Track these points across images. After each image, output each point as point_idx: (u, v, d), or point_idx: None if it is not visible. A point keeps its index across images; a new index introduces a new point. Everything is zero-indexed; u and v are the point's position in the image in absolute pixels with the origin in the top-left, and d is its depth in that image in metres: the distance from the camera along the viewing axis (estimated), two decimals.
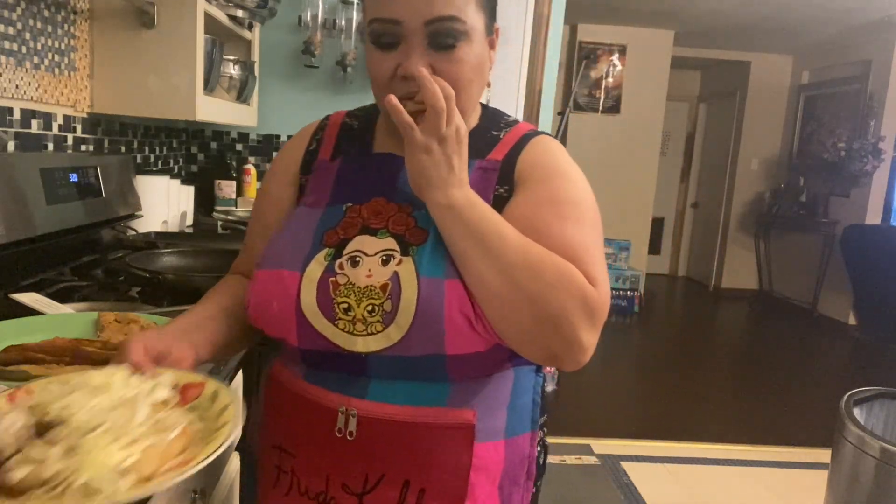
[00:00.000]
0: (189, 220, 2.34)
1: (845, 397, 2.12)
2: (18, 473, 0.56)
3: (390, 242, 0.77)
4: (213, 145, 2.80)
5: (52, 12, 1.59)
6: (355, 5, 2.62)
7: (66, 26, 1.66)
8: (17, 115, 1.46)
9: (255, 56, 2.51)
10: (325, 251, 0.78)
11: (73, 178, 1.55)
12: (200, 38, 1.82)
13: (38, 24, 1.53)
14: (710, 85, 7.42)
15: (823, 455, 2.40)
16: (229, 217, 2.32)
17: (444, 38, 0.76)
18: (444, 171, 0.73)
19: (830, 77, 6.14)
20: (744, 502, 2.68)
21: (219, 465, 1.10)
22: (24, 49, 1.47)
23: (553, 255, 0.73)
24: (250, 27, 2.43)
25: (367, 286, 0.74)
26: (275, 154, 2.78)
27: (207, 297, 0.88)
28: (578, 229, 0.77)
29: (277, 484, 0.83)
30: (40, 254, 1.42)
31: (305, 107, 2.75)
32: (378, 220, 0.79)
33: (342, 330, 0.75)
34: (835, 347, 5.30)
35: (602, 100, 6.10)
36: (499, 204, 0.80)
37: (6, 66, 1.41)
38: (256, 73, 2.45)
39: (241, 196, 2.67)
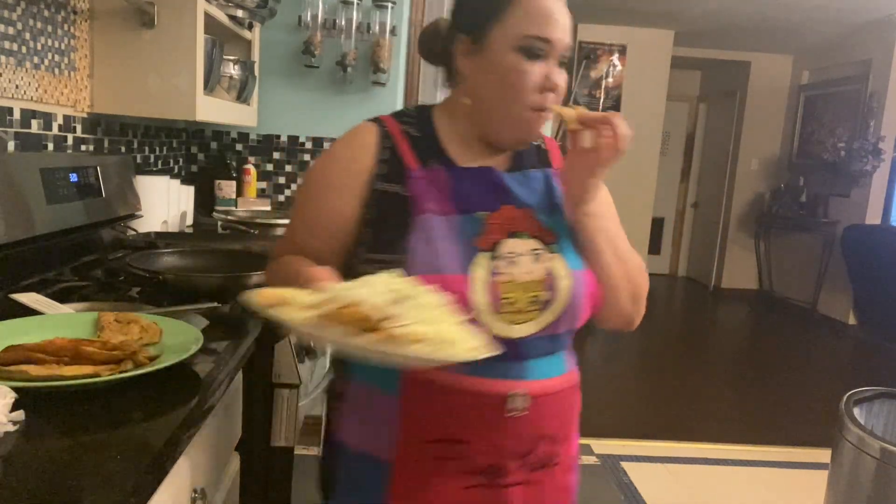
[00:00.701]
0: (189, 220, 2.34)
1: (845, 397, 2.12)
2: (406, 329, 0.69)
3: (533, 243, 0.91)
4: (213, 145, 2.80)
5: (52, 12, 1.59)
6: (355, 5, 2.62)
7: (66, 26, 1.66)
8: (17, 115, 1.47)
9: (255, 56, 2.51)
10: (482, 255, 0.88)
11: (73, 178, 1.55)
12: (200, 38, 1.82)
13: (38, 24, 1.53)
14: (710, 85, 7.41)
15: (823, 455, 2.40)
16: (229, 217, 2.32)
17: (565, 59, 0.93)
18: (599, 187, 0.92)
19: (830, 77, 6.14)
20: (744, 502, 2.68)
21: (219, 465, 1.10)
22: (24, 49, 1.47)
23: (629, 245, 0.98)
24: (250, 27, 2.43)
25: (527, 281, 0.89)
26: (275, 154, 2.79)
27: (290, 261, 0.94)
28: (619, 223, 1.01)
29: (441, 471, 0.91)
30: (40, 254, 1.42)
31: (305, 107, 2.75)
32: (516, 225, 0.92)
33: (505, 321, 0.87)
34: (835, 347, 5.30)
35: (602, 100, 6.10)
36: None
37: (6, 66, 1.41)
38: (256, 73, 2.45)
39: (241, 196, 2.67)
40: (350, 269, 0.89)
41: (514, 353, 0.88)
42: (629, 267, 0.96)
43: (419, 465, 0.91)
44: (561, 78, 0.90)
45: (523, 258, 0.89)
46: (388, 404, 0.91)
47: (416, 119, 0.98)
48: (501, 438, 0.90)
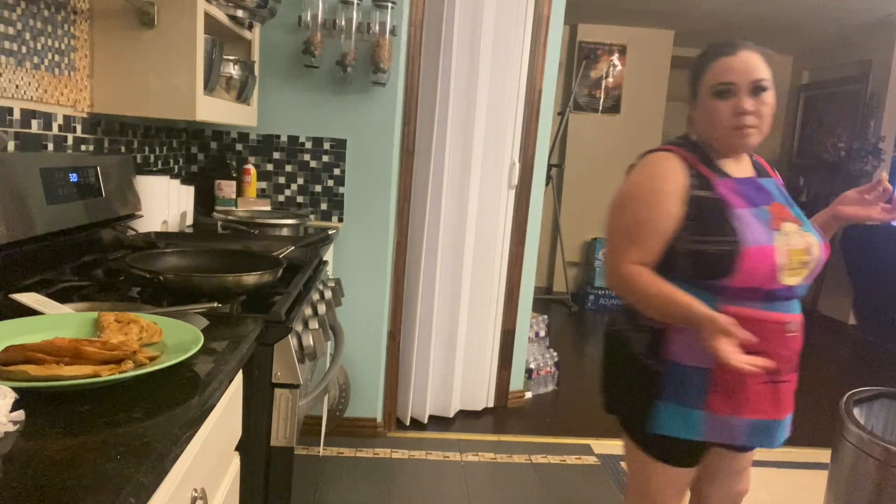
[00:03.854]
0: (189, 220, 2.34)
1: (845, 397, 2.12)
2: None
3: (794, 226, 1.38)
4: (213, 145, 2.80)
5: (52, 12, 1.59)
6: (355, 5, 2.62)
7: (66, 26, 1.66)
8: (17, 115, 1.47)
9: (255, 56, 2.51)
10: (776, 232, 1.35)
11: (73, 178, 1.55)
12: (200, 38, 1.82)
13: (38, 24, 1.53)
14: None
15: (823, 455, 2.40)
16: (229, 217, 2.32)
17: (759, 90, 1.36)
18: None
19: (830, 77, 6.14)
20: (744, 502, 2.68)
21: (219, 465, 1.10)
22: (24, 49, 1.47)
23: None
24: (250, 27, 2.43)
25: (798, 249, 1.35)
26: (275, 154, 2.79)
27: (664, 286, 1.36)
28: None
29: (742, 375, 1.32)
30: (40, 254, 1.42)
31: (305, 107, 2.75)
32: (784, 214, 1.39)
33: (787, 276, 1.33)
34: (835, 347, 5.29)
35: (602, 100, 6.09)
36: None
37: (6, 66, 1.41)
38: (256, 73, 2.45)
39: (241, 196, 2.67)
40: (674, 252, 1.36)
41: (790, 295, 1.36)
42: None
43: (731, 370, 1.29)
44: (748, 104, 1.35)
45: (795, 235, 1.35)
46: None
47: (692, 147, 1.43)
48: (784, 350, 1.36)
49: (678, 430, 1.41)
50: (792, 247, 1.33)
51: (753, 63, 1.35)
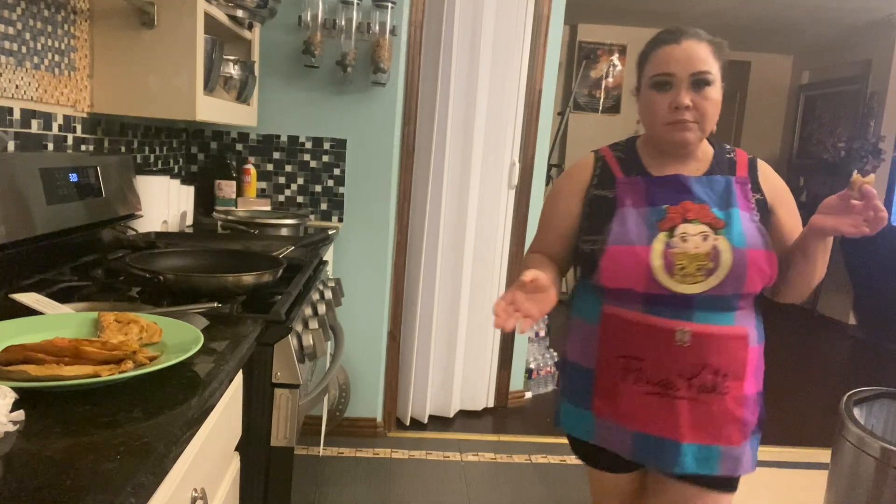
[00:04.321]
0: (189, 220, 2.34)
1: (845, 397, 2.12)
2: None
3: (703, 228, 1.24)
4: (213, 145, 2.80)
5: (52, 12, 1.59)
6: (355, 5, 2.62)
7: (66, 26, 1.66)
8: (17, 115, 1.47)
9: (255, 56, 2.51)
10: (662, 234, 1.24)
11: (73, 178, 1.55)
12: (200, 38, 1.82)
13: (38, 24, 1.53)
14: None
15: (823, 455, 2.40)
16: (229, 217, 2.32)
17: (700, 84, 1.25)
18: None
19: (830, 77, 6.14)
20: (744, 502, 2.68)
21: (219, 465, 1.10)
22: (24, 49, 1.47)
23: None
24: (250, 27, 2.43)
25: (695, 253, 1.22)
26: (275, 154, 2.79)
27: (533, 262, 1.37)
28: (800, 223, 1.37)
29: (625, 377, 1.29)
30: (40, 254, 1.42)
31: (305, 107, 2.75)
32: (691, 214, 1.26)
33: (677, 281, 1.22)
34: (835, 347, 5.29)
35: (602, 100, 6.09)
36: (760, 205, 1.31)
37: (6, 66, 1.41)
38: (256, 73, 2.45)
39: (241, 196, 2.67)
40: (575, 250, 1.36)
41: (684, 303, 1.23)
42: (820, 270, 1.30)
43: (612, 373, 1.30)
44: (686, 98, 1.25)
45: (694, 238, 1.23)
46: (593, 331, 1.33)
47: (624, 147, 1.39)
48: (670, 360, 1.25)
49: (576, 430, 1.40)
50: (684, 250, 1.22)
51: (697, 54, 1.25)
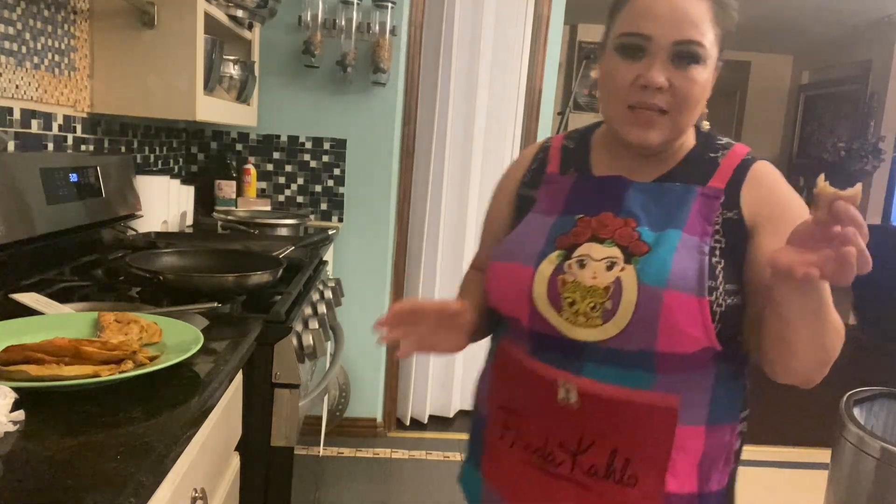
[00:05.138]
0: (189, 220, 2.34)
1: (845, 397, 2.12)
2: None
3: (615, 251, 0.89)
4: (213, 145, 2.80)
5: (52, 12, 1.59)
6: (355, 5, 2.62)
7: (66, 26, 1.66)
8: (17, 115, 1.47)
9: (255, 56, 2.51)
10: (556, 252, 0.92)
11: (73, 178, 1.55)
12: (200, 38, 1.82)
13: (38, 24, 1.53)
14: None
15: (823, 455, 2.40)
16: (229, 217, 2.32)
17: (685, 57, 0.88)
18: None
19: (830, 77, 6.14)
20: (744, 502, 2.68)
21: (219, 465, 1.10)
22: (24, 49, 1.47)
23: (833, 307, 0.81)
24: (250, 27, 2.43)
25: (591, 286, 0.88)
26: (275, 154, 2.79)
27: (466, 292, 1.10)
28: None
29: (503, 437, 1.00)
30: (40, 254, 1.42)
31: (305, 107, 2.75)
32: (606, 231, 0.91)
33: (566, 320, 0.89)
34: None
35: None
36: (730, 226, 0.90)
37: (6, 66, 1.41)
38: (256, 73, 2.45)
39: (241, 196, 2.67)
40: None
41: (573, 351, 0.90)
42: (807, 336, 0.81)
43: (495, 427, 1.02)
44: (658, 75, 0.87)
45: (596, 263, 0.88)
46: (488, 370, 1.07)
47: (581, 134, 1.06)
48: (549, 424, 0.94)
49: (469, 493, 1.10)
50: (577, 279, 0.88)
51: (688, 13, 0.87)
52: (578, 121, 6.01)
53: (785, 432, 3.36)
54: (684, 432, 0.90)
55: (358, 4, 2.61)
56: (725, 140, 0.99)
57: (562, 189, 0.99)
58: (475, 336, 1.02)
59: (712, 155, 0.95)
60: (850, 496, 1.99)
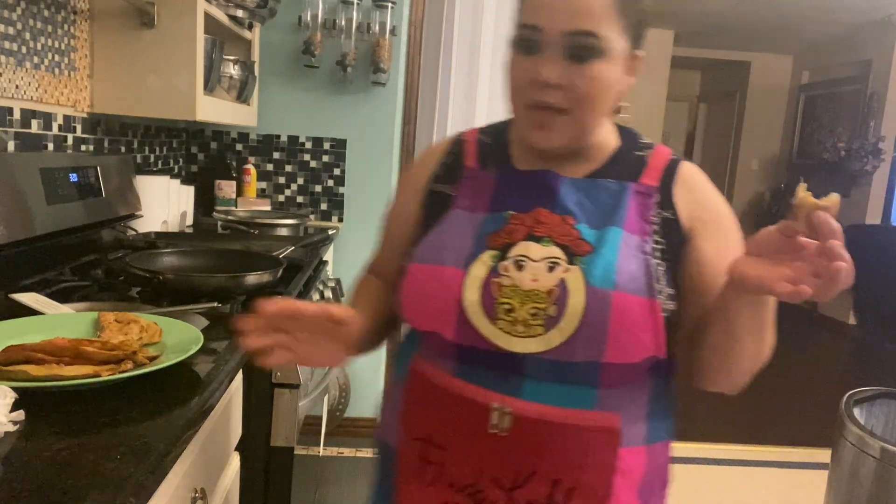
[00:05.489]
0: (189, 220, 2.34)
1: (845, 397, 2.11)
2: None
3: (555, 251, 0.80)
4: (213, 145, 2.80)
5: (52, 12, 1.59)
6: (355, 5, 2.62)
7: (66, 26, 1.66)
8: (17, 115, 1.46)
9: (255, 56, 2.51)
10: (489, 253, 0.81)
11: (73, 178, 1.55)
12: (200, 38, 1.82)
13: (38, 24, 1.53)
14: (710, 85, 7.41)
15: (823, 455, 2.40)
16: (229, 217, 2.32)
17: (580, 51, 0.79)
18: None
19: (830, 77, 6.14)
20: (744, 502, 2.68)
21: (219, 465, 1.10)
22: (24, 49, 1.47)
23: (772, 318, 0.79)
24: (250, 27, 2.43)
25: (531, 290, 0.78)
26: (275, 154, 2.79)
27: (357, 298, 0.98)
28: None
29: (421, 474, 0.85)
30: (40, 254, 1.42)
31: (305, 107, 2.75)
32: (542, 229, 0.82)
33: (501, 330, 0.78)
34: (835, 347, 5.30)
35: None
36: (668, 226, 0.85)
37: (6, 66, 1.41)
38: (256, 73, 2.45)
39: (241, 196, 2.67)
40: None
41: (509, 367, 0.79)
42: (752, 348, 0.80)
43: (410, 462, 0.87)
44: (551, 71, 0.79)
45: (535, 265, 0.79)
46: (399, 392, 0.91)
47: (496, 128, 0.97)
48: (480, 456, 0.81)
49: None
50: (515, 282, 0.79)
51: (584, 2, 0.78)
52: None
53: (785, 432, 3.36)
54: (626, 454, 0.82)
55: (358, 4, 2.61)
56: (645, 138, 0.94)
57: (485, 184, 0.89)
58: (363, 348, 0.92)
59: (638, 153, 0.90)
60: (850, 496, 1.99)
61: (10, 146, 1.44)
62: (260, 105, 2.65)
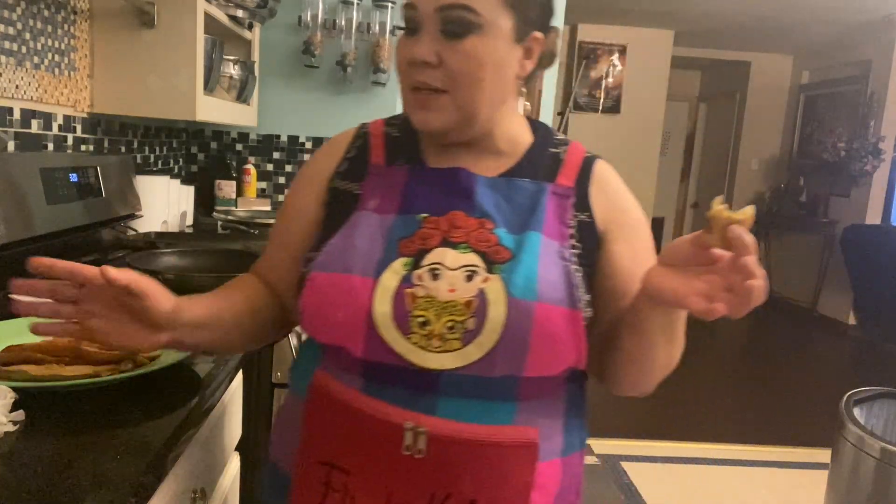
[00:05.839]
0: (189, 220, 2.34)
1: (845, 397, 2.11)
2: None
3: (473, 258, 0.75)
4: (213, 145, 2.80)
5: (52, 12, 1.59)
6: (355, 5, 2.62)
7: (66, 26, 1.66)
8: (17, 115, 1.47)
9: (255, 56, 2.51)
10: (401, 260, 0.75)
11: (73, 178, 1.55)
12: (200, 38, 1.82)
13: (38, 24, 1.53)
14: (710, 85, 7.41)
15: (823, 455, 2.40)
16: (229, 217, 2.32)
17: (453, 26, 0.75)
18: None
19: (830, 77, 6.14)
20: (744, 502, 2.68)
21: (219, 465, 1.10)
22: (24, 49, 1.47)
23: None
24: (250, 27, 2.43)
25: (448, 301, 0.73)
26: (275, 154, 2.79)
27: (226, 293, 0.88)
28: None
29: (324, 500, 0.78)
30: (40, 254, 1.41)
31: (305, 107, 2.75)
32: (459, 234, 0.77)
33: (415, 345, 0.72)
34: (835, 347, 5.30)
35: (602, 100, 6.09)
36: (586, 229, 0.81)
37: (6, 66, 1.41)
38: (256, 73, 2.45)
39: (241, 196, 2.67)
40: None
41: (424, 384, 0.73)
42: (664, 357, 0.78)
43: (309, 488, 0.78)
44: (424, 49, 0.75)
45: (452, 273, 0.74)
46: (297, 410, 0.82)
47: (404, 120, 0.88)
48: (391, 481, 0.74)
49: None
50: (430, 293, 0.73)
51: None
52: (578, 121, 6.01)
53: (785, 432, 3.36)
54: (543, 468, 0.78)
55: (358, 4, 2.61)
56: (560, 135, 0.90)
57: (395, 182, 0.82)
58: (199, 341, 0.80)
59: (553, 150, 0.86)
60: (850, 496, 1.99)
61: (10, 146, 1.44)
62: (260, 105, 2.65)
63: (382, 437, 0.74)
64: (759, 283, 0.61)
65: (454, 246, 0.76)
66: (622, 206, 0.84)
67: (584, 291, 0.78)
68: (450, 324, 0.72)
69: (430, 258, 0.75)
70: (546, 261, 0.75)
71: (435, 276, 0.74)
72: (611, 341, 0.80)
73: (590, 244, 0.81)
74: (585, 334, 0.75)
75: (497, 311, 0.72)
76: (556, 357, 0.74)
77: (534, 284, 0.73)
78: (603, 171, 0.86)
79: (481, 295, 0.73)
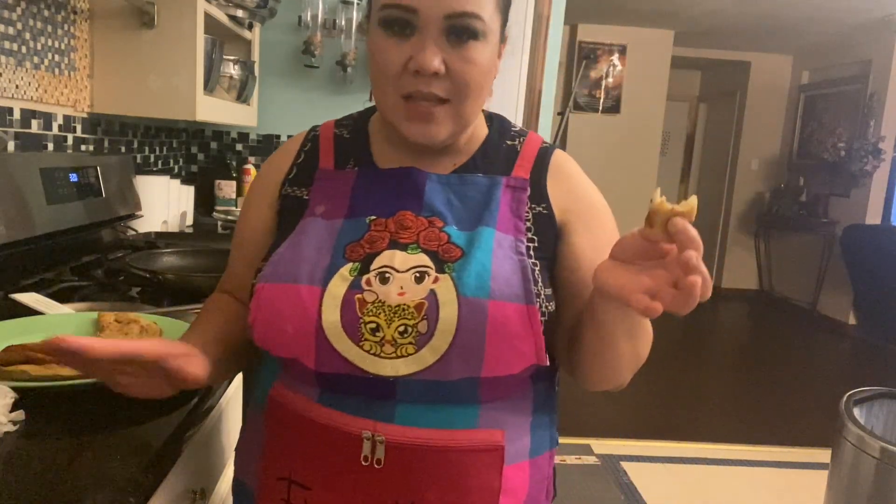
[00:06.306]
0: (189, 220, 2.34)
1: (845, 397, 2.11)
2: None
3: (423, 258, 0.73)
4: (213, 145, 2.80)
5: (52, 12, 1.59)
6: (355, 5, 2.62)
7: (66, 26, 1.66)
8: (17, 115, 1.47)
9: (255, 56, 2.51)
10: (349, 266, 0.73)
11: (73, 178, 1.55)
12: (200, 38, 1.82)
13: (38, 24, 1.53)
14: (710, 85, 7.41)
15: (823, 455, 2.40)
16: (229, 217, 2.32)
17: (461, 33, 0.72)
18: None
19: (830, 77, 6.14)
20: (744, 502, 2.68)
21: (219, 465, 1.10)
22: (24, 49, 1.47)
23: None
24: (250, 27, 2.43)
25: (399, 305, 0.70)
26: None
27: (201, 321, 0.85)
28: None
29: None
30: (40, 254, 1.42)
31: (305, 107, 2.75)
32: (408, 235, 0.74)
33: (368, 352, 0.70)
34: (835, 347, 5.30)
35: (602, 100, 6.09)
36: (542, 222, 0.79)
37: (6, 66, 1.41)
38: (256, 73, 2.45)
39: (241, 196, 2.67)
40: None
41: (380, 391, 0.71)
42: (629, 352, 0.74)
43: (273, 501, 0.77)
44: (432, 58, 0.71)
45: (401, 276, 0.71)
46: (259, 424, 0.80)
47: (355, 121, 0.88)
48: (352, 493, 0.72)
49: None
50: (380, 297, 0.71)
51: None
52: (578, 121, 6.01)
53: (785, 432, 3.36)
54: (510, 472, 0.75)
55: (358, 4, 2.62)
56: (517, 126, 0.88)
57: (342, 186, 0.80)
58: (219, 374, 0.78)
59: (510, 143, 0.84)
60: (850, 496, 1.99)
61: (10, 146, 1.44)
62: (260, 105, 2.65)
63: (341, 448, 0.71)
64: (698, 280, 0.57)
65: (403, 247, 0.74)
66: (581, 196, 0.82)
67: (544, 286, 0.75)
68: (402, 328, 0.70)
69: (378, 261, 0.73)
70: (499, 256, 0.73)
71: (384, 280, 0.72)
72: (575, 337, 0.77)
73: (548, 236, 0.78)
74: (543, 329, 0.72)
75: (449, 312, 0.69)
76: (514, 355, 0.70)
77: (486, 282, 0.70)
78: (560, 162, 0.83)
79: (432, 296, 0.70)
